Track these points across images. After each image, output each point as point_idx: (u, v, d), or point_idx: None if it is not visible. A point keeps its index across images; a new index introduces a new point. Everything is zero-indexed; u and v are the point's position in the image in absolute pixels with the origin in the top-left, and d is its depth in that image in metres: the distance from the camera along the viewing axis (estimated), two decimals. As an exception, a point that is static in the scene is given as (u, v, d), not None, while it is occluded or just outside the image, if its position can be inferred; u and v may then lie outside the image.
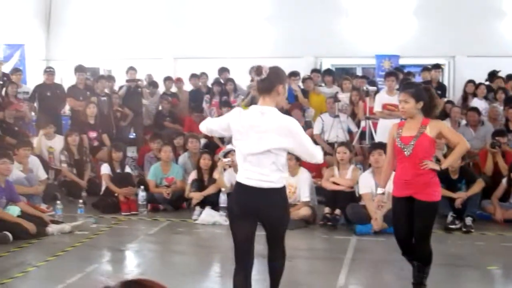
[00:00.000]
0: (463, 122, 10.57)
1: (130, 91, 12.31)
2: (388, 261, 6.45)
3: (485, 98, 11.56)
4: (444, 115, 10.75)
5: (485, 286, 6.05)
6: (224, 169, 8.59)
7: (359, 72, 15.09)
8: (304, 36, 14.65)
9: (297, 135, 4.17)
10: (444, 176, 7.85)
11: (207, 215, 8.24)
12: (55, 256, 6.66)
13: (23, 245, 7.04)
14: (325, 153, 7.53)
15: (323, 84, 12.27)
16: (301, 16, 14.67)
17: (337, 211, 7.96)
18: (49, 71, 11.79)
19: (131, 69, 12.69)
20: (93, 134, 10.90)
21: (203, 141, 10.78)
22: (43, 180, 9.16)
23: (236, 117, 4.31)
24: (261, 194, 4.18)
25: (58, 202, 8.53)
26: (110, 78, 12.64)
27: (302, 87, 11.73)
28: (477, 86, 11.76)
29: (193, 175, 9.01)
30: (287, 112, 9.89)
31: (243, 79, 12.16)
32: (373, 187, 7.75)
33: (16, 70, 12.41)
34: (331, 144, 10.21)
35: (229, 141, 4.31)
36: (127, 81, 12.45)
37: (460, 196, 8.00)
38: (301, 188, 8.13)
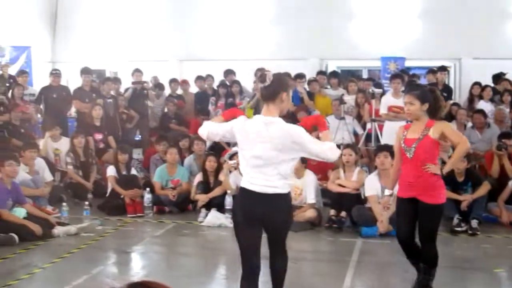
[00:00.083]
0: (469, 124, 10.54)
1: (136, 93, 12.32)
2: (393, 263, 6.44)
3: (491, 100, 11.53)
4: (450, 117, 10.75)
5: (491, 289, 6.04)
6: (230, 171, 8.59)
7: (365, 74, 15.10)
8: (310, 38, 14.66)
9: (303, 144, 4.12)
10: (450, 178, 7.84)
11: (213, 217, 8.24)
12: (61, 258, 6.67)
13: (29, 247, 7.06)
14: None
15: (328, 86, 12.26)
16: (307, 18, 14.67)
17: (343, 213, 7.94)
18: (55, 73, 11.82)
19: (137, 71, 12.69)
20: (99, 136, 10.92)
21: (208, 143, 10.78)
22: (49, 182, 9.18)
23: (240, 126, 4.27)
24: (266, 199, 4.15)
25: (64, 204, 8.55)
26: (116, 80, 12.66)
27: (307, 89, 11.73)
28: (483, 88, 11.72)
29: (198, 177, 9.01)
30: (292, 114, 9.90)
31: (248, 81, 12.16)
32: (379, 189, 7.75)
33: (22, 72, 12.47)
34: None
35: (235, 143, 4.28)
36: (133, 83, 12.46)
37: (466, 198, 7.98)
38: (307, 190, 8.12)
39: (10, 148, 9.31)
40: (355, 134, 10.83)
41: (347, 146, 8.72)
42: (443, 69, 12.08)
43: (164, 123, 12.33)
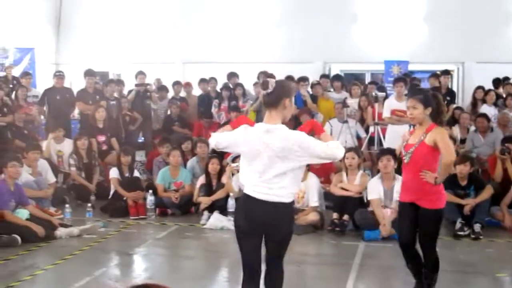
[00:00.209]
0: (472, 128, 10.54)
1: (139, 95, 12.33)
2: (396, 267, 6.42)
3: (495, 104, 11.53)
4: (453, 121, 10.75)
5: (494, 293, 6.04)
6: (233, 174, 8.58)
7: (368, 78, 15.09)
8: (313, 41, 14.68)
9: (309, 148, 4.07)
10: (453, 183, 7.85)
11: (215, 219, 8.25)
12: (63, 260, 6.68)
13: (31, 248, 7.07)
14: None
15: (332, 90, 12.26)
16: (310, 21, 14.69)
17: (345, 217, 7.94)
18: (59, 75, 11.84)
19: (140, 73, 12.71)
20: (102, 138, 10.92)
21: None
22: (52, 184, 9.18)
23: (242, 137, 4.20)
24: (269, 208, 4.11)
25: (67, 205, 8.55)
26: (119, 82, 12.68)
27: (311, 92, 11.74)
28: (487, 92, 11.72)
29: (201, 180, 9.02)
30: (295, 117, 9.90)
31: (252, 84, 12.17)
32: (382, 193, 7.75)
33: (26, 74, 12.51)
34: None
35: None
36: (136, 85, 12.47)
37: (468, 202, 7.97)
38: (309, 193, 8.11)
39: (13, 149, 9.32)
40: (358, 137, 10.83)
41: (350, 149, 8.70)
42: (446, 73, 12.08)
43: (167, 125, 12.33)
